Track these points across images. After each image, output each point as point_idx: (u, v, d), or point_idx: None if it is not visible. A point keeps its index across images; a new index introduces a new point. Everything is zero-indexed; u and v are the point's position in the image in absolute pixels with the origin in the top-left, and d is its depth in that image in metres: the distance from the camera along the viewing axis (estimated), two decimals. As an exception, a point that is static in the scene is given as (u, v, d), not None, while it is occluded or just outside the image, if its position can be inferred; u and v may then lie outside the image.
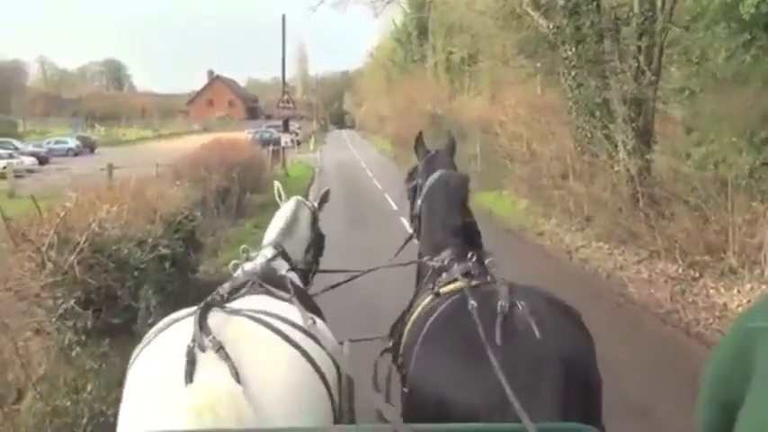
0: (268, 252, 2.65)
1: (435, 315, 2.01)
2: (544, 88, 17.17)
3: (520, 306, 1.81)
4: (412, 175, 2.97)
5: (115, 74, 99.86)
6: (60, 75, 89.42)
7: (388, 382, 2.25)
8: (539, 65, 15.70)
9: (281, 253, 2.68)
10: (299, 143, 43.53)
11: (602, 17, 10.67)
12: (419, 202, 2.76)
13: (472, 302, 1.89)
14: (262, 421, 1.51)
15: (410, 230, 3.02)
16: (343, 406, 1.99)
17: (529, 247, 11.23)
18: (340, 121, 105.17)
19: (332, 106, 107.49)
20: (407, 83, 38.25)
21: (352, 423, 2.06)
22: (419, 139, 3.04)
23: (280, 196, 3.13)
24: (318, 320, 2.03)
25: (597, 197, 10.81)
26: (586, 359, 1.80)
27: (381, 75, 66.41)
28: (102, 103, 70.44)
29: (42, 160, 31.97)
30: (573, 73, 11.23)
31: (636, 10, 9.94)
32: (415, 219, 2.85)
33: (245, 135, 36.35)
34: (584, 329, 1.92)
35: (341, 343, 2.32)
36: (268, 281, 2.27)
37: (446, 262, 2.38)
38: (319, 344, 1.83)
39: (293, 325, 1.85)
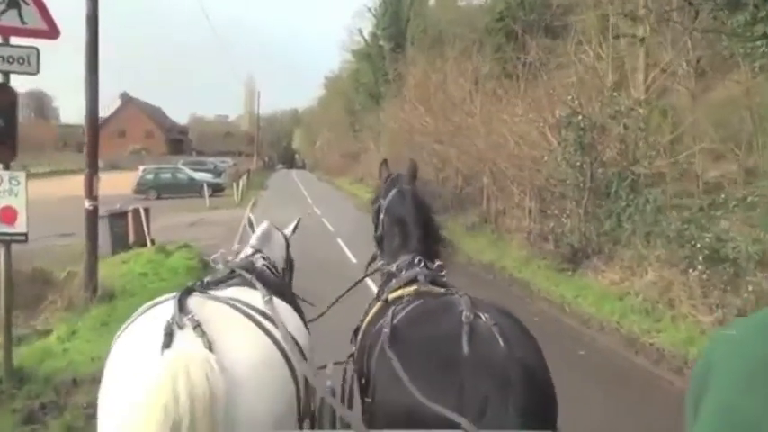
0: (247, 251, 3.02)
1: (396, 320, 2.08)
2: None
3: (483, 317, 1.90)
4: (376, 198, 3.20)
5: (39, 105, 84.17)
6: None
7: (350, 387, 2.49)
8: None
9: (258, 252, 2.99)
10: (221, 189, 29.74)
11: None
12: (381, 216, 3.03)
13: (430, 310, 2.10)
14: (229, 385, 1.64)
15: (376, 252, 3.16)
16: (323, 424, 2.20)
17: None
18: (290, 160, 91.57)
19: (280, 145, 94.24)
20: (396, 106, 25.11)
21: None
22: (383, 164, 3.35)
23: (251, 225, 3.44)
24: (293, 316, 2.26)
25: None
26: (546, 369, 1.89)
27: (341, 104, 53.67)
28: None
29: None
30: None
31: None
32: (379, 236, 3.07)
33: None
34: (537, 342, 1.99)
35: (324, 366, 2.61)
36: (248, 272, 2.45)
37: (395, 268, 2.66)
38: (287, 332, 1.94)
39: (264, 314, 1.99)
